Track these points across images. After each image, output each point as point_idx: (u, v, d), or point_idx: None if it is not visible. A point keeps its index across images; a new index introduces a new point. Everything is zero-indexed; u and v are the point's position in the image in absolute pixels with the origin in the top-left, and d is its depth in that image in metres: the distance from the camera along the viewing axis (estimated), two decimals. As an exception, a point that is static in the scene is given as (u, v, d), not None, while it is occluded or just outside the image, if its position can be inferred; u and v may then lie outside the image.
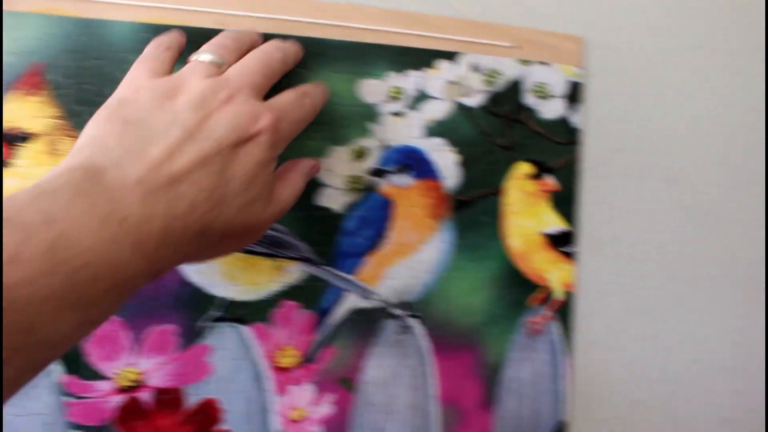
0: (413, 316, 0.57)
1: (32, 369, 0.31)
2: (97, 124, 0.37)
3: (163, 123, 0.37)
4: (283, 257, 0.52)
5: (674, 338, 0.71)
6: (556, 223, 0.62)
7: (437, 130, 0.56)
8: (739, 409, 0.75)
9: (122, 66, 0.48)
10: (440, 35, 0.56)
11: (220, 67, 0.42)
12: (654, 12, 0.67)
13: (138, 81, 0.40)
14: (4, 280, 0.28)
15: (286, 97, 0.43)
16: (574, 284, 0.64)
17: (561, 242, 0.62)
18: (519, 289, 0.61)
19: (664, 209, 0.69)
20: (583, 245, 0.65)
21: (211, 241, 0.38)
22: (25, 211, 0.30)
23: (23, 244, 0.29)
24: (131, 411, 0.49)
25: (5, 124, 0.47)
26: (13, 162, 0.47)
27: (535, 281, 0.62)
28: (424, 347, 0.58)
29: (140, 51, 0.47)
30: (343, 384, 0.55)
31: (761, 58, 0.72)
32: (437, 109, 0.56)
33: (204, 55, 0.42)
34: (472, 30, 0.57)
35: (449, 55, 0.56)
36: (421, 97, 0.56)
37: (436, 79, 0.56)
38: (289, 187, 0.44)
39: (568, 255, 0.63)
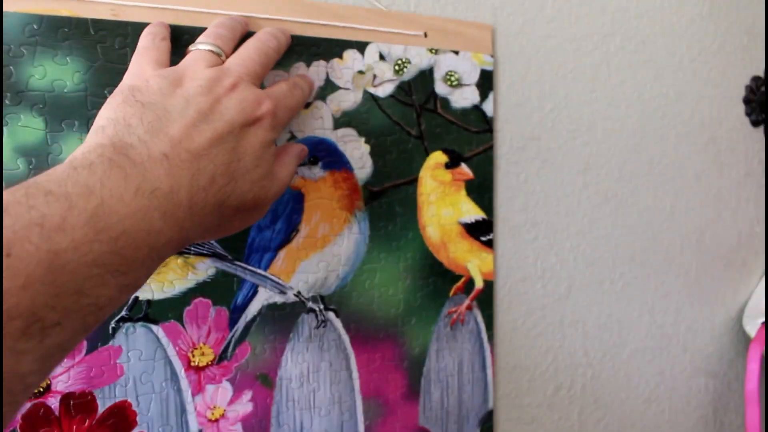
0: (330, 309, 0.56)
1: (83, 331, 0.32)
2: (114, 107, 0.40)
3: (177, 105, 0.40)
4: (191, 253, 0.51)
5: (595, 322, 0.72)
6: (472, 212, 0.62)
7: (346, 120, 0.56)
8: (661, 388, 0.77)
9: (17, 61, 0.46)
10: (348, 25, 0.56)
11: (219, 57, 0.45)
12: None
13: (144, 71, 0.43)
14: (53, 247, 0.30)
15: (280, 86, 0.48)
16: (494, 272, 0.65)
17: (478, 231, 0.63)
18: (438, 280, 0.61)
19: (580, 195, 0.70)
20: (501, 233, 0.65)
21: (227, 214, 0.41)
22: (65, 184, 0.33)
23: (67, 213, 0.31)
24: (38, 418, 0.47)
25: None
26: None
27: (455, 271, 0.62)
28: (344, 340, 0.57)
29: (34, 44, 0.46)
30: (261, 380, 0.54)
31: (671, 42, 0.75)
32: (346, 100, 0.56)
33: (202, 45, 0.46)
34: (381, 19, 0.57)
35: (358, 45, 0.56)
36: (330, 88, 0.55)
37: (344, 69, 0.56)
38: (285, 168, 0.47)
39: (487, 243, 0.63)
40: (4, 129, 0.47)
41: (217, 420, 0.53)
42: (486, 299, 0.64)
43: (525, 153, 0.67)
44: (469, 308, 0.63)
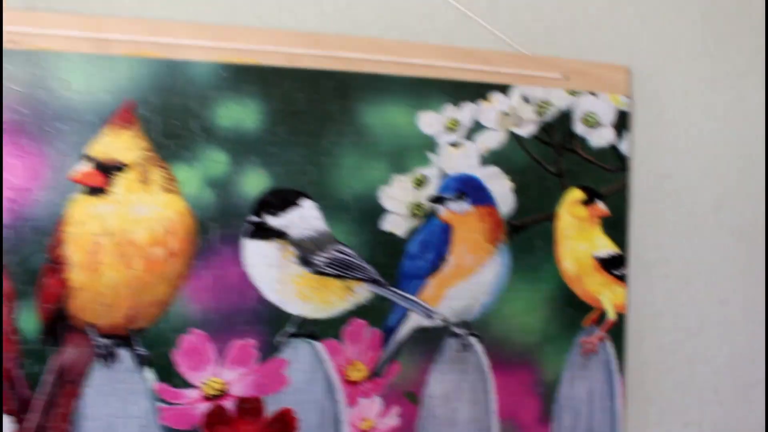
0: (472, 334, 0.60)
1: None
2: None
3: None
4: (351, 278, 0.56)
5: (727, 360, 0.73)
6: (607, 247, 0.65)
7: (492, 158, 0.60)
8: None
9: (204, 102, 0.53)
10: (493, 69, 0.60)
11: None
12: (697, 39, 0.70)
13: None
14: None
15: None
16: (626, 306, 0.67)
17: (612, 265, 0.65)
18: (573, 310, 0.64)
19: (712, 234, 0.71)
20: (634, 268, 0.68)
21: None
22: None
23: None
24: (217, 418, 0.54)
25: (103, 155, 0.52)
26: (110, 189, 0.52)
27: (589, 303, 0.65)
28: (484, 364, 0.61)
29: (221, 89, 0.53)
30: (408, 397, 0.59)
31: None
32: (491, 139, 0.60)
33: None
34: (523, 63, 0.61)
35: (502, 88, 0.61)
36: (477, 128, 0.60)
37: (490, 110, 0.60)
38: None
39: (620, 277, 0.66)
40: (196, 163, 0.54)
41: (367, 431, 0.57)
42: (617, 331, 0.66)
43: (658, 191, 0.69)
44: (602, 339, 0.65)
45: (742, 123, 0.73)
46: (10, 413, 0.51)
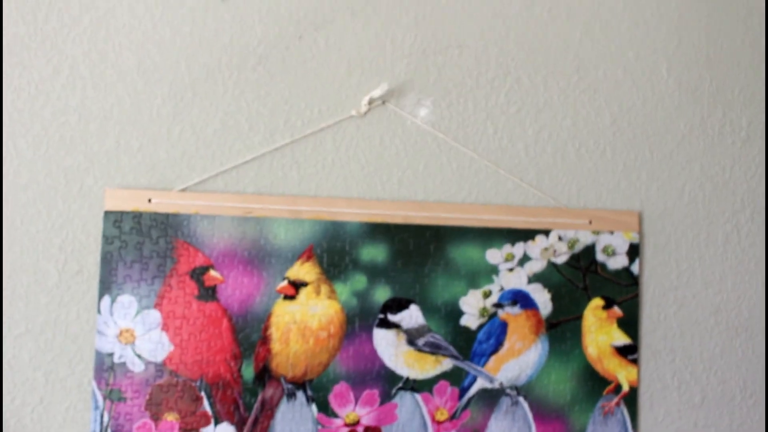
0: (520, 395, 0.91)
1: None
2: None
3: None
4: (440, 354, 0.89)
5: (726, 428, 0.97)
6: (622, 339, 0.93)
7: (536, 278, 0.92)
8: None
9: (353, 245, 0.89)
10: (538, 219, 0.92)
11: None
12: (697, 186, 0.98)
13: None
14: None
15: None
16: (638, 381, 0.94)
17: (627, 352, 0.93)
18: (595, 383, 0.92)
19: (711, 331, 0.97)
20: (644, 354, 0.95)
21: None
22: None
23: None
24: (353, 439, 0.88)
25: (294, 276, 0.89)
26: (297, 297, 0.89)
27: (608, 378, 0.93)
28: (528, 415, 0.91)
29: (363, 237, 0.88)
30: (475, 434, 0.90)
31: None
32: (536, 266, 0.92)
33: None
34: (559, 214, 0.93)
35: (544, 232, 0.92)
36: (525, 258, 0.92)
37: (535, 247, 0.92)
38: None
39: (632, 361, 0.94)
40: (347, 282, 0.89)
41: (448, 455, 0.89)
42: (631, 399, 0.93)
43: (665, 298, 0.96)
44: (618, 404, 0.93)
45: (739, 246, 0.99)
46: (232, 424, 0.88)
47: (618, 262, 0.93)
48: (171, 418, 0.88)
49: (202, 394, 0.88)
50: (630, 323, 0.93)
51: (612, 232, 0.93)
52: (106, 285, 0.88)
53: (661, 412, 0.96)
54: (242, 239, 0.89)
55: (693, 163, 0.98)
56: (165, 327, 0.88)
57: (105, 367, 0.88)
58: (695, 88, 0.99)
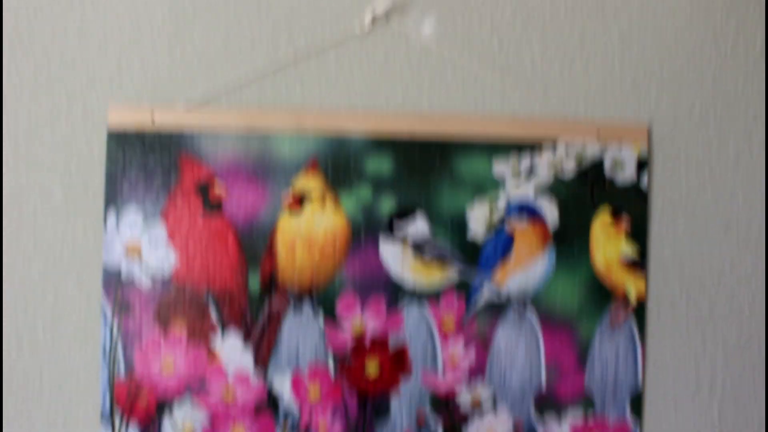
0: (528, 306, 0.91)
1: None
2: None
3: None
4: (447, 266, 0.89)
5: (735, 342, 0.97)
6: (630, 251, 0.93)
7: (543, 192, 0.91)
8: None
9: (359, 158, 0.88)
10: (545, 131, 0.91)
11: None
12: (708, 99, 0.96)
13: None
14: None
15: None
16: (647, 293, 0.94)
17: (635, 264, 0.93)
18: (603, 295, 0.92)
19: (721, 245, 0.96)
20: (653, 267, 0.95)
21: None
22: None
23: None
24: (359, 346, 0.88)
25: (299, 190, 0.89)
26: (303, 210, 0.89)
27: (615, 290, 0.93)
28: (536, 326, 0.91)
29: (368, 150, 0.88)
30: (482, 343, 0.90)
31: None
32: (543, 178, 0.91)
33: None
34: (568, 125, 0.91)
35: (551, 144, 0.91)
36: (533, 171, 0.91)
37: (542, 159, 0.91)
38: None
39: (641, 273, 0.93)
40: (353, 194, 0.89)
41: (454, 363, 0.90)
42: (639, 312, 0.93)
43: (674, 213, 0.95)
44: (625, 317, 0.93)
45: (752, 161, 0.97)
46: (240, 335, 0.89)
47: (626, 175, 0.92)
48: (179, 329, 0.89)
49: (209, 306, 0.89)
50: (638, 236, 0.93)
51: (620, 145, 0.92)
52: (112, 202, 0.88)
53: (668, 324, 0.96)
54: (246, 154, 0.89)
55: (705, 78, 0.96)
56: (171, 242, 0.88)
57: (113, 282, 0.88)
58: (708, 2, 0.97)
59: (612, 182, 0.92)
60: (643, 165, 0.93)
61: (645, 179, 0.93)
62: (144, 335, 0.89)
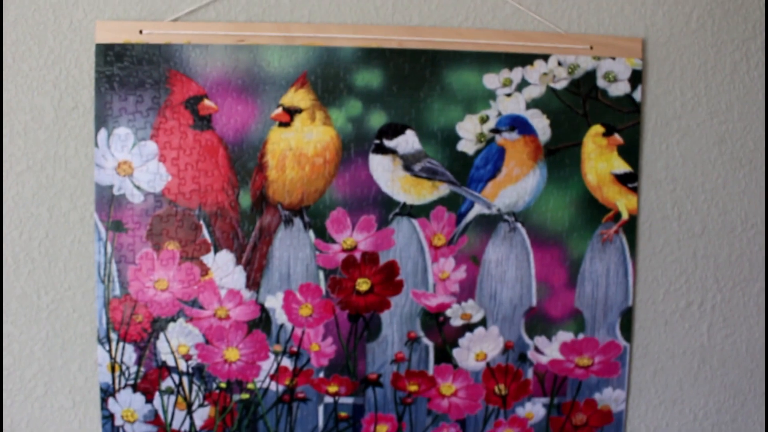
0: (518, 221, 0.91)
1: None
2: None
3: None
4: (437, 180, 0.89)
5: (726, 258, 0.97)
6: (622, 167, 0.92)
7: (534, 104, 0.90)
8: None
9: (347, 71, 0.87)
10: (536, 44, 0.89)
11: None
12: (705, 11, 0.94)
13: None
14: None
15: None
16: (638, 210, 0.94)
17: (626, 180, 0.92)
18: (594, 210, 0.92)
19: (715, 161, 0.96)
20: (645, 183, 0.94)
21: None
22: None
23: None
24: (350, 263, 0.89)
25: (289, 103, 0.88)
26: (292, 123, 0.88)
27: (607, 206, 0.92)
28: (526, 241, 0.91)
29: (357, 63, 0.87)
30: (472, 260, 0.91)
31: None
32: (534, 91, 0.90)
33: None
34: (559, 39, 0.90)
35: (544, 57, 0.90)
36: (524, 84, 0.90)
37: (533, 72, 0.90)
38: None
39: (632, 189, 0.93)
40: (342, 107, 0.88)
41: (444, 279, 0.90)
42: (630, 227, 0.93)
43: (668, 128, 0.94)
44: (617, 232, 0.93)
45: (747, 75, 0.95)
46: (232, 251, 0.89)
47: (619, 88, 0.91)
48: (172, 246, 0.89)
49: (201, 222, 0.89)
50: (631, 151, 0.92)
51: (614, 58, 0.91)
52: (102, 118, 0.88)
53: (660, 241, 0.96)
54: (235, 68, 0.88)
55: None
56: (162, 158, 0.88)
57: (105, 200, 0.89)
58: None
59: (605, 93, 0.91)
60: (637, 78, 0.91)
61: (639, 92, 0.91)
62: (137, 253, 0.89)
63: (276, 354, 0.91)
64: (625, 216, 0.93)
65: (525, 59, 0.90)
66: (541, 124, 0.90)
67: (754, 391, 1.00)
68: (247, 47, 0.88)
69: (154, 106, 0.88)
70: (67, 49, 0.90)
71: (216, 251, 0.90)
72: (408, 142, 0.89)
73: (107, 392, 0.91)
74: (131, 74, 0.88)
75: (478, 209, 0.90)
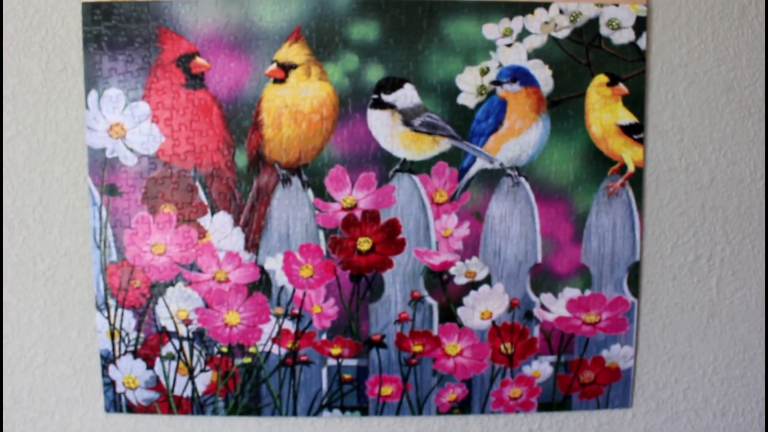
0: (522, 175, 0.89)
1: None
2: None
3: None
4: (437, 135, 0.87)
5: (735, 210, 0.95)
6: (627, 117, 0.90)
7: (536, 54, 0.87)
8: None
9: (343, 24, 0.84)
10: (538, -8, 0.86)
11: None
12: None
13: None
14: None
15: None
16: (644, 162, 0.91)
17: (632, 131, 0.90)
18: (600, 162, 0.90)
19: (723, 110, 0.93)
20: (651, 134, 0.92)
21: None
22: None
23: None
24: (350, 222, 0.87)
25: (283, 59, 0.85)
26: (287, 80, 0.86)
27: (612, 158, 0.90)
28: (530, 196, 0.89)
29: (353, 15, 0.84)
30: (475, 216, 0.88)
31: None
32: (536, 41, 0.87)
33: None
34: (562, -13, 0.87)
35: (543, 5, 0.87)
36: (525, 33, 0.87)
37: (534, 20, 0.87)
38: None
39: (638, 140, 0.90)
40: (338, 62, 0.85)
41: (447, 237, 0.88)
42: (637, 180, 0.91)
43: (674, 76, 0.91)
44: (623, 185, 0.90)
45: (756, 20, 0.92)
46: (229, 213, 0.87)
47: (623, 36, 0.88)
48: (168, 209, 0.87)
49: (197, 184, 0.87)
50: (636, 101, 0.90)
51: (617, 5, 0.88)
52: (92, 80, 0.86)
53: (667, 193, 0.93)
54: (227, 23, 0.85)
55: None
56: (154, 118, 0.86)
57: (98, 163, 0.87)
58: None
59: (609, 42, 0.88)
60: (641, 25, 0.88)
61: (643, 40, 0.88)
62: (133, 217, 0.87)
63: (277, 317, 0.90)
64: (631, 168, 0.90)
65: (525, 7, 0.87)
66: (543, 75, 0.88)
67: (764, 345, 0.98)
68: (238, 1, 0.85)
69: (144, 65, 0.86)
70: (52, 8, 0.87)
71: (213, 213, 0.88)
72: (407, 96, 0.86)
73: (107, 359, 0.90)
74: (120, 33, 0.85)
75: (480, 164, 0.88)
